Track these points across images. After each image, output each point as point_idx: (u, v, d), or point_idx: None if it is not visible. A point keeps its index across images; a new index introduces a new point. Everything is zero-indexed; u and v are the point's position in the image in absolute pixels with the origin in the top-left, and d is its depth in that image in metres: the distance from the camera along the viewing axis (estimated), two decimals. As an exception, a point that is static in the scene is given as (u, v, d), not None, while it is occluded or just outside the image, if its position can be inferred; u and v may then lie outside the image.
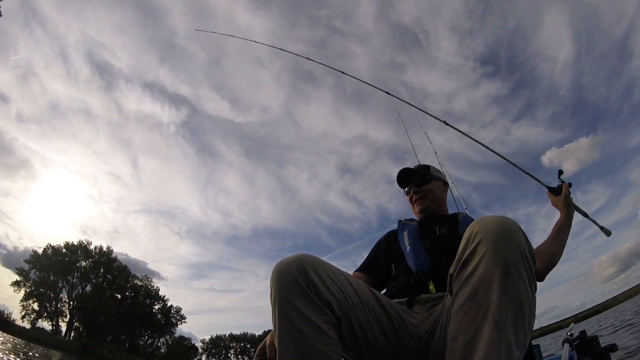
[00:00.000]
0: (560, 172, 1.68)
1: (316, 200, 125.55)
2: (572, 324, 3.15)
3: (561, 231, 1.50)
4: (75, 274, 44.07)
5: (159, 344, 51.88)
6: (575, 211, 1.59)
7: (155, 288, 51.59)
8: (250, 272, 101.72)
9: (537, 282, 0.96)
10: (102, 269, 46.91)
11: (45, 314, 40.70)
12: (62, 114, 78.88)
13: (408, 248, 1.53)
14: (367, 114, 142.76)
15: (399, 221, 1.79)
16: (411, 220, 1.78)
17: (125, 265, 50.02)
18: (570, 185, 1.64)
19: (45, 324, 41.07)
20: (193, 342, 58.11)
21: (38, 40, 77.33)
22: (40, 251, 43.00)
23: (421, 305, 1.27)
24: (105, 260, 47.25)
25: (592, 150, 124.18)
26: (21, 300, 39.56)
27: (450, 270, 0.96)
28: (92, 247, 46.68)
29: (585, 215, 1.64)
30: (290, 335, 0.92)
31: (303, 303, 0.94)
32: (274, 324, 0.97)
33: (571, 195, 1.61)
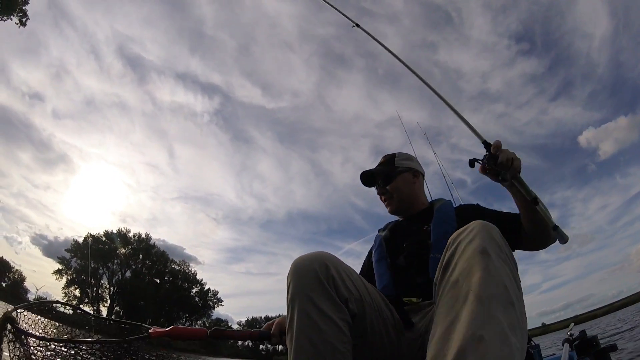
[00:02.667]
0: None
1: (350, 184, 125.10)
2: (572, 324, 3.15)
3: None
4: (115, 261, 45.84)
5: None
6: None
7: (192, 272, 53.08)
8: (285, 256, 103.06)
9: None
10: (140, 255, 48.61)
11: (86, 300, 42.71)
12: (97, 109, 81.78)
13: (375, 271, 1.55)
14: (399, 95, 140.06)
15: (379, 230, 1.77)
16: (387, 226, 1.75)
17: (163, 250, 51.60)
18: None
19: (87, 309, 42.99)
20: (230, 324, 59.61)
21: (68, 39, 79.99)
22: (80, 240, 44.92)
23: (415, 312, 1.25)
24: (143, 246, 48.87)
25: (632, 130, 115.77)
26: (63, 288, 41.70)
27: (435, 279, 0.93)
28: (130, 234, 48.34)
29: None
30: (307, 331, 0.92)
31: (322, 299, 0.95)
32: (290, 319, 0.97)
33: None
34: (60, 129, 78.69)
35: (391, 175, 1.67)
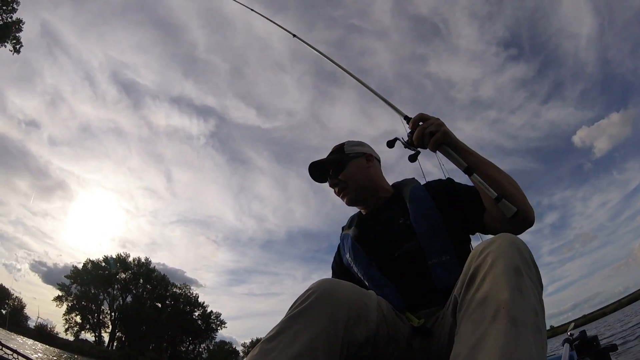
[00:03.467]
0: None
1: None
2: (572, 324, 3.18)
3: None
4: (116, 286, 45.38)
5: (200, 350, 52.73)
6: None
7: (194, 295, 52.58)
8: (288, 275, 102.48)
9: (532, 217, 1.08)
10: (141, 280, 48.10)
11: (87, 326, 42.18)
12: (93, 135, 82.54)
13: (367, 284, 1.34)
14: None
15: (342, 228, 1.59)
16: (351, 224, 1.54)
17: (163, 274, 51.13)
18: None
19: (88, 336, 42.41)
20: (234, 346, 58.87)
21: (63, 67, 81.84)
22: (80, 266, 44.65)
23: (428, 316, 1.15)
24: (144, 271, 48.45)
25: (624, 125, 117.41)
26: (64, 314, 41.16)
27: (455, 292, 0.87)
28: (130, 259, 48.01)
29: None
30: (305, 331, 0.84)
31: (330, 336, 0.86)
32: (297, 314, 0.88)
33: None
34: (57, 156, 79.36)
35: (342, 163, 1.50)
